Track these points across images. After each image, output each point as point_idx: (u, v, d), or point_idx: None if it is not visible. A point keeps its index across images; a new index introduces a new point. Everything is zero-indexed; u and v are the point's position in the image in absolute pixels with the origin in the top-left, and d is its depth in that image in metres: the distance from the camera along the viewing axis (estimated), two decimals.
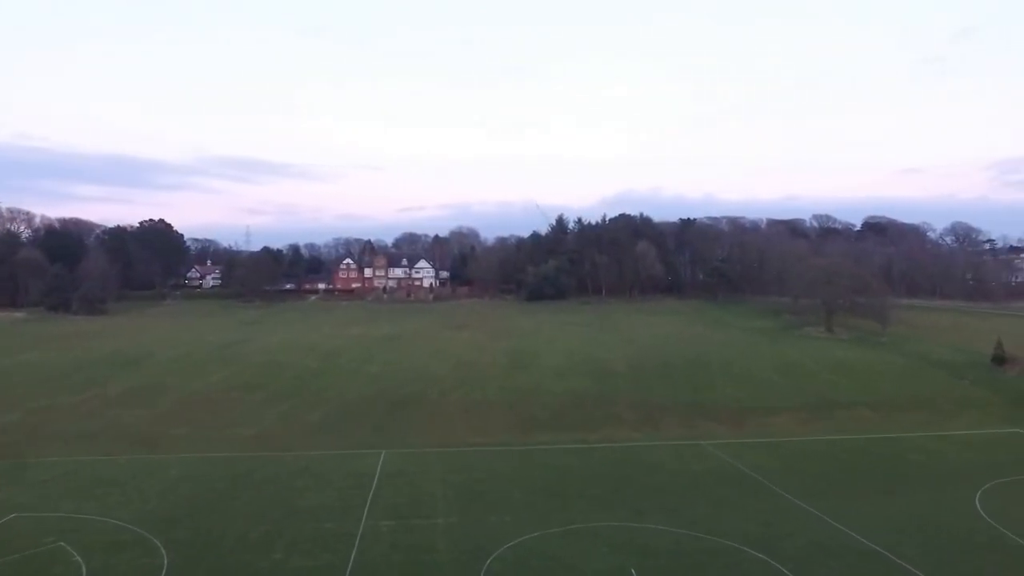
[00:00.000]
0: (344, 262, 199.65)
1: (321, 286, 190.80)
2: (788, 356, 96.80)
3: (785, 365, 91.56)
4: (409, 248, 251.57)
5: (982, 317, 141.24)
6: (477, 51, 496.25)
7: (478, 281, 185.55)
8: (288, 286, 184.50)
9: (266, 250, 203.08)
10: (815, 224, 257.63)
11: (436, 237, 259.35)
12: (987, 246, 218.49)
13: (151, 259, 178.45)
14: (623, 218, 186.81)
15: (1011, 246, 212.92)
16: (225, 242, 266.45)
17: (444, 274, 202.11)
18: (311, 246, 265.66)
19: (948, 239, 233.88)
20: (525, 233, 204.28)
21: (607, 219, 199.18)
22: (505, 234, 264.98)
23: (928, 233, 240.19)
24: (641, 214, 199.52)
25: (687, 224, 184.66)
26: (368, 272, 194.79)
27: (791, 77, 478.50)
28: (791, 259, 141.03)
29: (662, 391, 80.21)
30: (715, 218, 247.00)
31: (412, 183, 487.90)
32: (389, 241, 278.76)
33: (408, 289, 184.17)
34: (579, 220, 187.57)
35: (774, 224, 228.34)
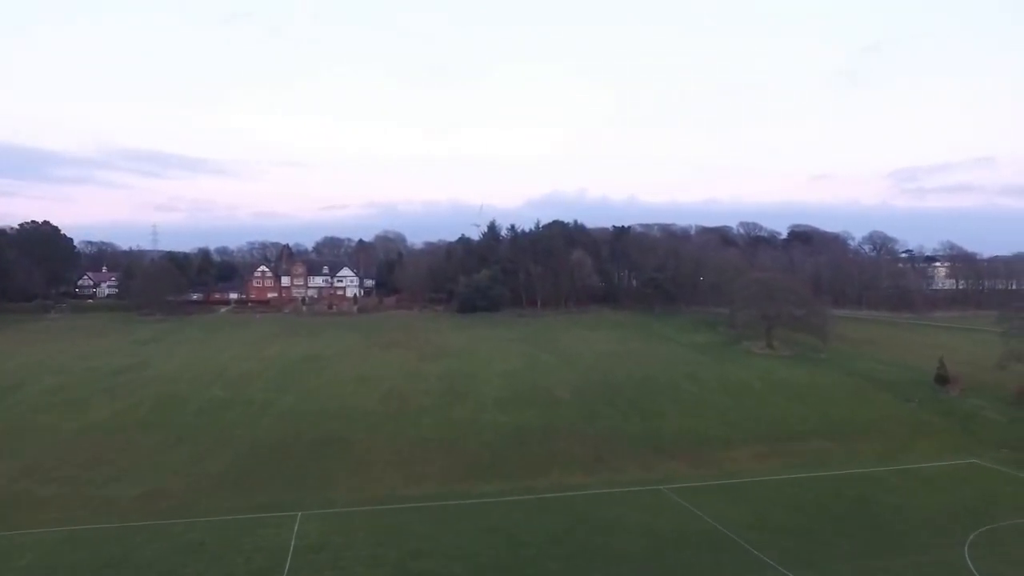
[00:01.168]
0: (259, 269, 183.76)
1: (233, 296, 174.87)
2: (734, 376, 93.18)
3: (733, 387, 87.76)
4: (331, 253, 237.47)
5: (909, 329, 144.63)
6: (404, 47, 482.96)
7: (406, 290, 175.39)
8: (195, 296, 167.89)
9: (171, 256, 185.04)
10: (742, 231, 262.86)
11: (360, 242, 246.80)
12: (904, 255, 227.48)
13: (32, 266, 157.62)
14: (557, 225, 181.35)
15: (926, 256, 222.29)
16: (128, 243, 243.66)
17: (369, 282, 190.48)
18: (223, 250, 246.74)
19: (867, 247, 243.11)
20: (453, 236, 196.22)
21: (540, 225, 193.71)
22: (433, 238, 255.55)
23: (848, 241, 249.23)
24: (575, 221, 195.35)
25: (621, 233, 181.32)
26: (286, 280, 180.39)
27: (712, 84, 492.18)
28: (728, 271, 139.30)
29: (611, 421, 74.21)
30: (648, 225, 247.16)
31: (335, 181, 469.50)
32: (309, 245, 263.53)
33: (330, 300, 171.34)
34: (512, 227, 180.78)
35: (705, 232, 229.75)
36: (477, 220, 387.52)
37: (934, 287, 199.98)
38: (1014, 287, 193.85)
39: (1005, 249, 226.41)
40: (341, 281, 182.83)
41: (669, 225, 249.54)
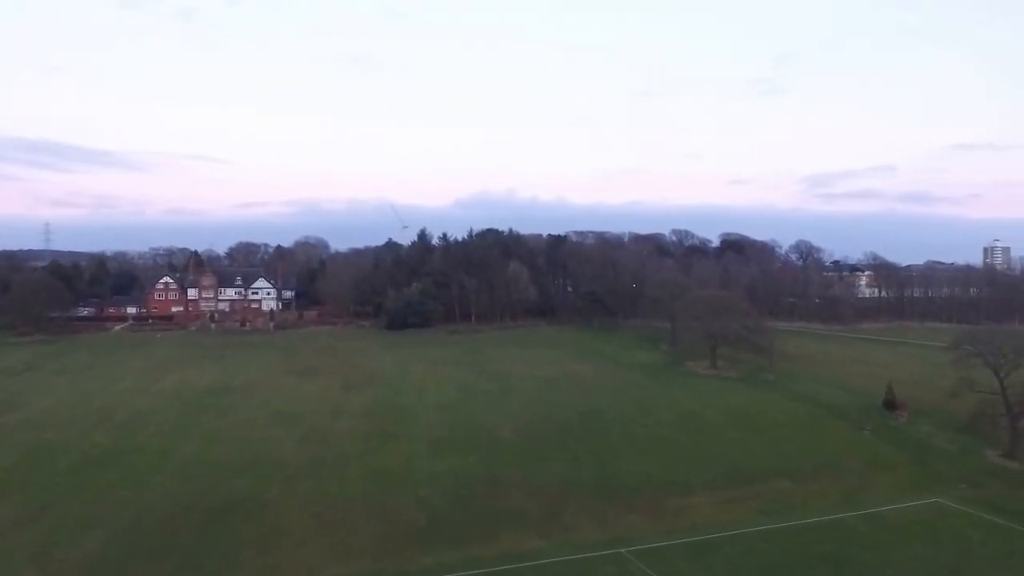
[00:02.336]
0: (162, 280, 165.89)
1: (131, 311, 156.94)
2: (684, 405, 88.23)
3: (684, 418, 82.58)
4: (246, 260, 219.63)
5: (842, 343, 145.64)
6: (328, 36, 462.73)
7: (329, 303, 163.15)
8: (85, 312, 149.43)
9: (57, 264, 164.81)
10: (675, 239, 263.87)
11: (279, 248, 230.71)
12: (830, 264, 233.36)
13: None
14: (491, 234, 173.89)
15: (851, 264, 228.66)
16: (16, 243, 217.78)
17: (288, 294, 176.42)
18: (121, 256, 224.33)
19: (794, 256, 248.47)
20: (380, 238, 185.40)
21: (473, 234, 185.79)
22: (360, 241, 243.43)
23: (776, 250, 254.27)
24: (510, 230, 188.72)
25: (557, 242, 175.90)
26: (193, 293, 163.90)
27: (636, 88, 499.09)
28: (668, 285, 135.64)
29: (562, 466, 66.95)
30: (582, 233, 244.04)
31: (254, 177, 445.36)
32: (224, 249, 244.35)
33: (243, 315, 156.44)
34: (444, 236, 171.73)
35: (639, 241, 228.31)
36: (404, 220, 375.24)
37: (858, 295, 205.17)
38: (931, 295, 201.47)
39: (910, 254, 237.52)
40: (256, 293, 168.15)
41: (603, 233, 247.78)
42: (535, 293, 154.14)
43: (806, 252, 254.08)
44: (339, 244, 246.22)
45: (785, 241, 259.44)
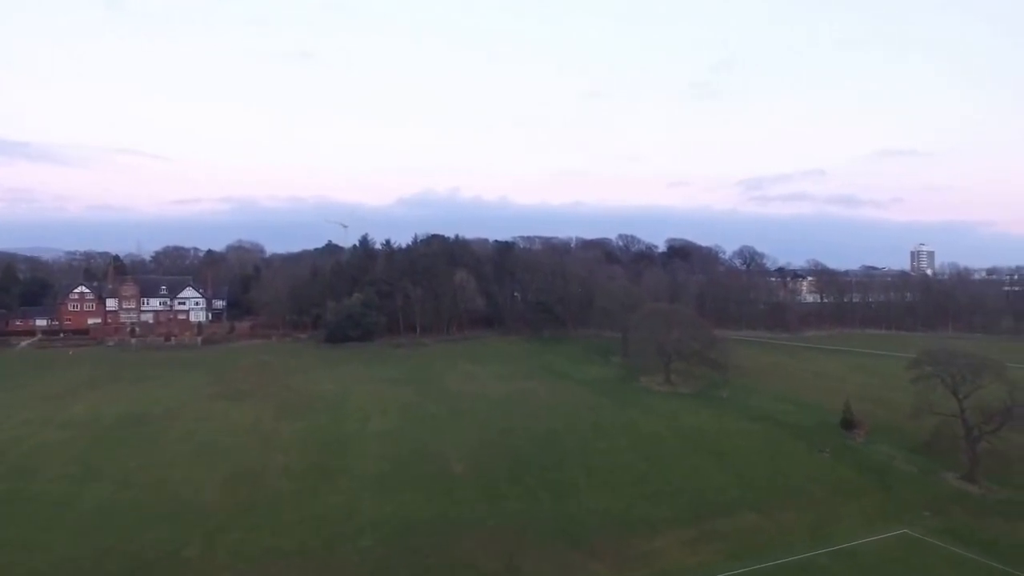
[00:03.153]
0: (77, 290, 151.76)
1: (41, 324, 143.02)
2: (641, 427, 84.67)
3: (644, 442, 78.89)
4: (173, 265, 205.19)
5: (790, 353, 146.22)
6: (270, 29, 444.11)
7: (264, 314, 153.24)
8: None
9: None
10: (621, 244, 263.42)
11: (209, 253, 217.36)
12: (774, 270, 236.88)
13: None
14: (437, 241, 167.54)
15: (793, 270, 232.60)
16: None
17: (219, 303, 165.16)
18: (33, 259, 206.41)
19: (737, 261, 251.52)
20: (320, 239, 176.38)
21: (418, 239, 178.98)
22: (298, 245, 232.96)
23: (720, 255, 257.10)
24: (456, 236, 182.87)
25: (505, 249, 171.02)
26: (112, 303, 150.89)
27: (581, 90, 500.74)
28: (619, 295, 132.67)
29: (519, 504, 61.87)
30: (529, 238, 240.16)
31: (186, 173, 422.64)
32: (153, 250, 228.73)
33: (168, 328, 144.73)
34: (387, 242, 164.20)
35: (587, 247, 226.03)
36: (344, 220, 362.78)
37: (801, 301, 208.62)
38: (869, 300, 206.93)
39: (841, 256, 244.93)
40: (184, 303, 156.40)
41: (550, 239, 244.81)
42: (483, 303, 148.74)
43: (749, 258, 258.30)
44: (277, 245, 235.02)
45: (728, 246, 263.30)
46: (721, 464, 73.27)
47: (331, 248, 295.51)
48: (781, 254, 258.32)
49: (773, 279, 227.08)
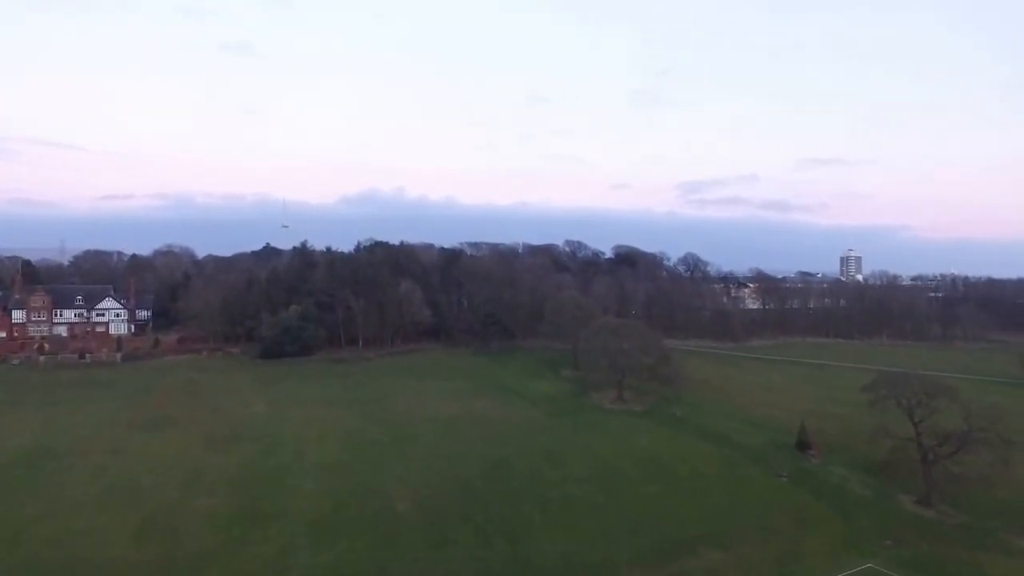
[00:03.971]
0: None
1: None
2: (596, 452, 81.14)
3: (599, 471, 75.23)
4: (94, 271, 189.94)
5: (738, 363, 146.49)
6: (207, 19, 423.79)
7: (194, 326, 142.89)
8: None
9: None
10: (568, 249, 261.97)
11: (134, 258, 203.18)
12: (714, 275, 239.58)
13: None
14: (381, 248, 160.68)
15: (737, 279, 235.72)
16: None
17: (144, 314, 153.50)
18: None
19: (681, 268, 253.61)
20: (259, 239, 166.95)
21: (361, 246, 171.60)
22: (236, 247, 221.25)
23: (664, 261, 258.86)
24: (402, 242, 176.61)
25: (452, 258, 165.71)
26: (19, 315, 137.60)
27: (528, 92, 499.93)
28: (569, 307, 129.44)
29: (469, 550, 57.00)
30: (476, 244, 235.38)
31: (116, 166, 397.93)
32: (79, 249, 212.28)
33: (84, 343, 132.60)
34: (328, 249, 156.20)
35: (535, 253, 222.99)
36: (285, 219, 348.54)
37: (743, 307, 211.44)
38: (810, 306, 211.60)
39: (774, 259, 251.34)
40: (103, 315, 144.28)
41: (497, 245, 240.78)
42: (429, 314, 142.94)
43: (693, 264, 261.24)
44: (214, 246, 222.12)
45: (671, 250, 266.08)
46: (680, 493, 70.45)
47: (269, 251, 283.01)
48: (721, 258, 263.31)
49: (717, 286, 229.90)
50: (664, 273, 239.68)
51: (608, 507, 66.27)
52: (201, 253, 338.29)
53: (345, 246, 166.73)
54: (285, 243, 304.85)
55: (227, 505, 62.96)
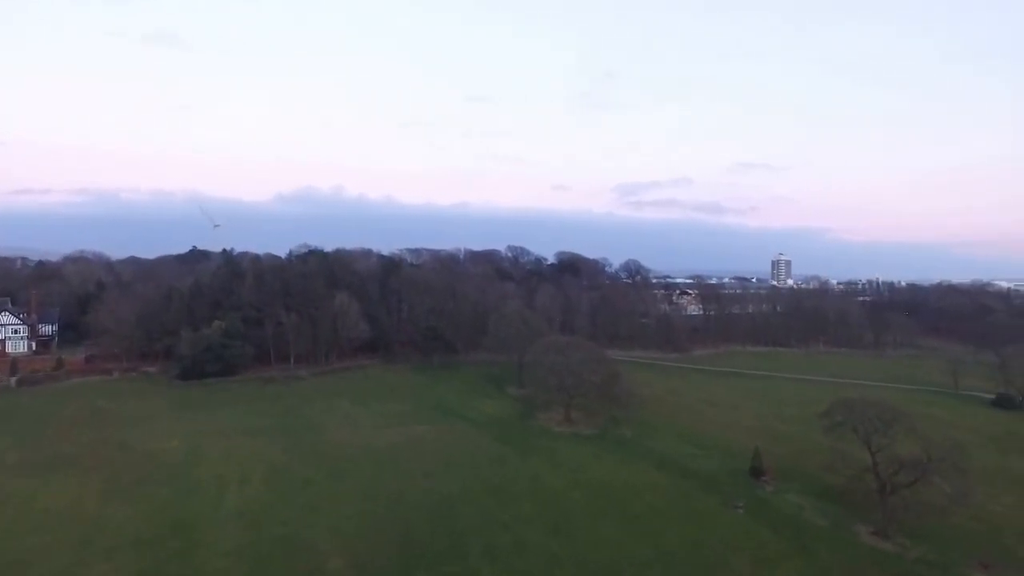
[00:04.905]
0: None
1: None
2: (546, 485, 76.33)
3: (549, 507, 70.28)
4: None
5: (684, 376, 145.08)
6: (131, 8, 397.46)
7: (105, 343, 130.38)
8: None
9: None
10: (510, 255, 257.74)
11: (40, 265, 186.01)
12: (655, 281, 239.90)
13: None
14: (315, 257, 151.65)
15: (681, 290, 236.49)
16: None
17: (48, 330, 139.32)
18: None
19: (623, 275, 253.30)
20: (188, 240, 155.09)
21: (293, 255, 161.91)
22: (160, 250, 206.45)
23: (606, 267, 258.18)
24: (338, 249, 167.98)
25: (391, 267, 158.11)
26: None
27: (469, 92, 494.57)
28: (516, 323, 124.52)
29: None
30: (416, 251, 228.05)
31: (33, 158, 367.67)
32: None
33: None
34: (258, 259, 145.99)
35: (477, 259, 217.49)
36: (216, 218, 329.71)
37: (685, 313, 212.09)
38: (751, 311, 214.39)
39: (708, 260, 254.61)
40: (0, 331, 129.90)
41: (438, 251, 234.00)
42: (366, 329, 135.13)
43: (635, 270, 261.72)
44: (139, 246, 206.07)
45: (611, 253, 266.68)
46: (635, 532, 66.25)
47: (196, 255, 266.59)
48: (658, 258, 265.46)
49: (658, 292, 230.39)
50: (607, 280, 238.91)
51: (561, 553, 61.31)
52: (124, 254, 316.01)
53: (281, 246, 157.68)
54: (215, 244, 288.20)
55: (127, 570, 54.66)
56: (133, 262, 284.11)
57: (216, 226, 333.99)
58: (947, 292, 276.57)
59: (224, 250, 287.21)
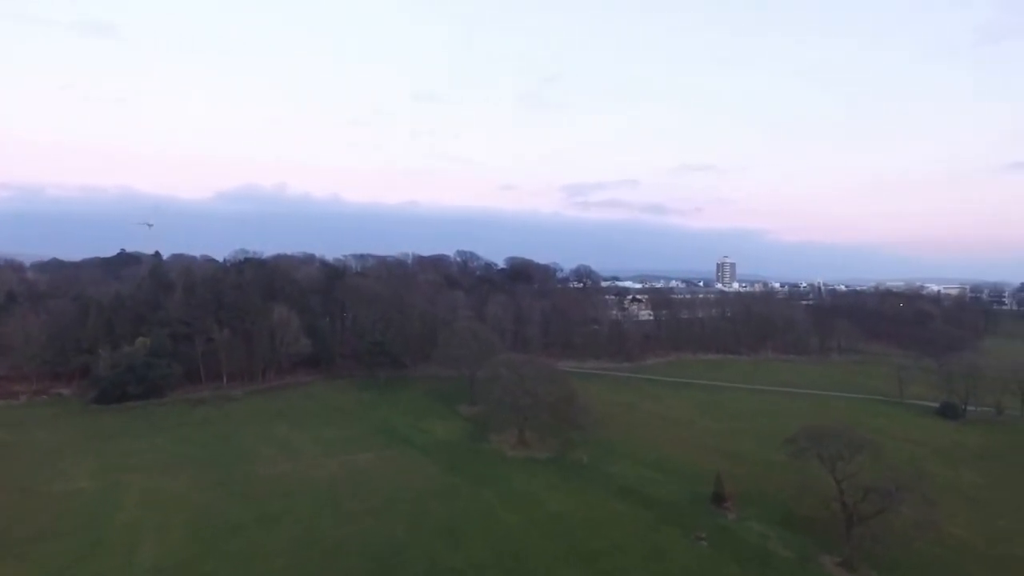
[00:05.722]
0: None
1: None
2: (501, 521, 71.16)
3: (505, 549, 65.07)
4: None
5: (637, 388, 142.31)
6: None
7: (12, 362, 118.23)
8: None
9: None
10: (459, 259, 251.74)
11: None
12: (605, 285, 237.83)
13: None
14: (252, 267, 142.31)
15: (632, 297, 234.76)
16: None
17: None
18: None
19: (573, 281, 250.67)
20: (119, 241, 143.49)
21: (227, 263, 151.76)
22: (83, 252, 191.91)
23: (558, 273, 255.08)
24: (279, 255, 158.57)
25: (334, 276, 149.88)
26: None
27: (417, 91, 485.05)
28: (468, 340, 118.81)
29: None
30: (363, 257, 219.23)
31: None
32: None
33: None
34: (188, 269, 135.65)
35: (426, 266, 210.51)
36: (148, 217, 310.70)
37: (636, 319, 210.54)
38: (699, 315, 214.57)
39: (657, 260, 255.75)
40: None
41: (385, 257, 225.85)
42: (307, 344, 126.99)
43: (585, 275, 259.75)
44: (66, 246, 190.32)
45: (561, 255, 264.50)
46: (597, 574, 61.93)
47: (125, 258, 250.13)
48: (606, 260, 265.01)
49: (609, 297, 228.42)
50: (558, 285, 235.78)
51: None
52: (47, 255, 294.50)
53: (220, 247, 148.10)
54: (148, 245, 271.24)
55: None
56: (54, 266, 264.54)
57: (149, 225, 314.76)
58: (885, 296, 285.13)
59: (157, 252, 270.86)
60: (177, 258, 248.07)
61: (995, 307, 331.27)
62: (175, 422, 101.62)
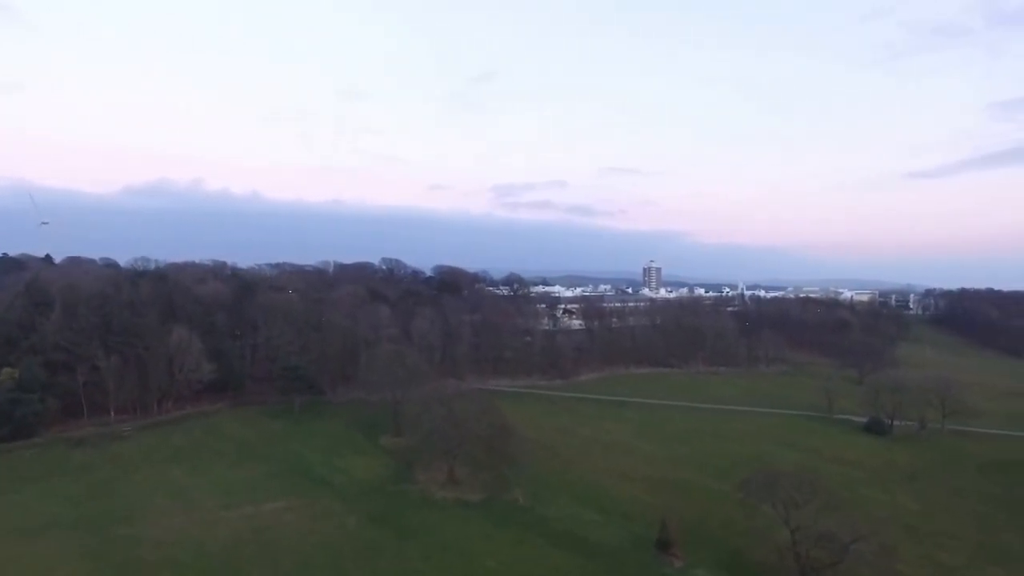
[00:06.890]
0: None
1: None
2: None
3: None
4: None
5: (571, 409, 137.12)
6: None
7: None
8: None
9: None
10: (384, 267, 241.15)
11: None
12: (536, 292, 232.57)
13: None
14: (147, 281, 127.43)
15: (564, 308, 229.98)
16: None
17: None
18: None
19: (504, 289, 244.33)
20: (9, 241, 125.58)
21: (123, 274, 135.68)
22: None
23: (487, 281, 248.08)
24: (186, 262, 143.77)
25: (245, 292, 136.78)
26: None
27: (337, 88, 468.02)
28: (393, 364, 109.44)
29: None
30: (278, 265, 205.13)
31: None
32: None
33: None
34: (70, 287, 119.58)
35: (348, 276, 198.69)
36: (42, 215, 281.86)
37: (568, 328, 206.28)
38: (630, 323, 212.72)
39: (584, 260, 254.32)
40: None
41: (303, 267, 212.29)
42: (211, 369, 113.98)
43: (516, 283, 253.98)
44: None
45: (491, 258, 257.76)
46: None
47: (8, 264, 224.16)
48: (535, 260, 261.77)
49: (541, 306, 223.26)
50: (488, 294, 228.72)
51: None
52: None
53: (127, 248, 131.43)
54: (40, 249, 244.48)
55: None
56: None
57: (44, 223, 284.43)
58: (806, 304, 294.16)
59: (47, 257, 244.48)
60: (72, 261, 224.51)
61: (904, 312, 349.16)
62: (46, 470, 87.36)
